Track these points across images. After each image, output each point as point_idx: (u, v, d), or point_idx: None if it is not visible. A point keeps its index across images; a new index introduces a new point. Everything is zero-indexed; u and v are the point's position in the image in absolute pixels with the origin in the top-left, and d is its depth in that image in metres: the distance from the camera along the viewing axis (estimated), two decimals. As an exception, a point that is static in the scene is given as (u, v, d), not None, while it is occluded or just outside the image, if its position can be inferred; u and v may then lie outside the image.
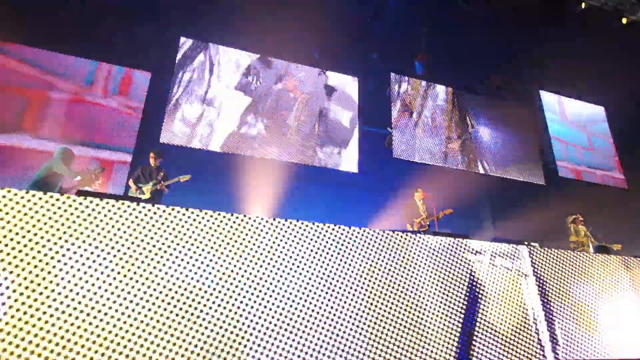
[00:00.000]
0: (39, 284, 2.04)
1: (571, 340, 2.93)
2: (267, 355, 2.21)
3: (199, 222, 2.45)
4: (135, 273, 2.22)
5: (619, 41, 7.76)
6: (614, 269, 3.48)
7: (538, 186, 7.84)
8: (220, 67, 6.76)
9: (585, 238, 6.09)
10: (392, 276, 2.67)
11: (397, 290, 2.65)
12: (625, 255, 3.79)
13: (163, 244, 2.33)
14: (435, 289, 2.75)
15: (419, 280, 2.76)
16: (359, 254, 2.69)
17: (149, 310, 2.15)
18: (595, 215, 8.05)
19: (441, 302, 2.70)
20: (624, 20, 7.51)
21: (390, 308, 2.55)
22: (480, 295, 2.83)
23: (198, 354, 2.12)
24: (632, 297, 3.33)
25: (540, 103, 8.52)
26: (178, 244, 2.37)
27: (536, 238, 6.93)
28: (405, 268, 2.74)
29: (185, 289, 2.26)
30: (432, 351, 2.52)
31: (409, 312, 2.58)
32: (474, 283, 2.87)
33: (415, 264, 2.82)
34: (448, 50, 8.19)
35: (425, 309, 2.63)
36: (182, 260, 2.34)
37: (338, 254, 2.62)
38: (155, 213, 2.42)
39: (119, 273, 2.20)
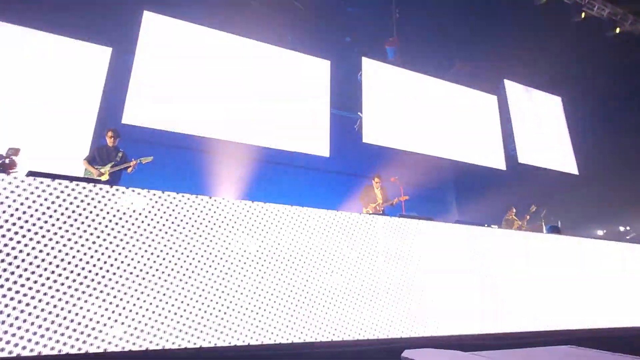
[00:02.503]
0: None
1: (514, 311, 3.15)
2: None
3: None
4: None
5: (577, 35, 8.16)
6: (564, 248, 3.75)
7: (499, 171, 8.23)
8: (185, 45, 6.47)
9: (518, 224, 6.61)
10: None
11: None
12: (571, 235, 4.10)
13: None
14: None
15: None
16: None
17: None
18: (551, 199, 8.62)
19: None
20: (582, 15, 7.88)
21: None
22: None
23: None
24: (574, 272, 3.62)
25: (503, 91, 8.86)
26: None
27: (496, 221, 7.37)
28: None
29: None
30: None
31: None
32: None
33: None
34: (417, 35, 8.30)
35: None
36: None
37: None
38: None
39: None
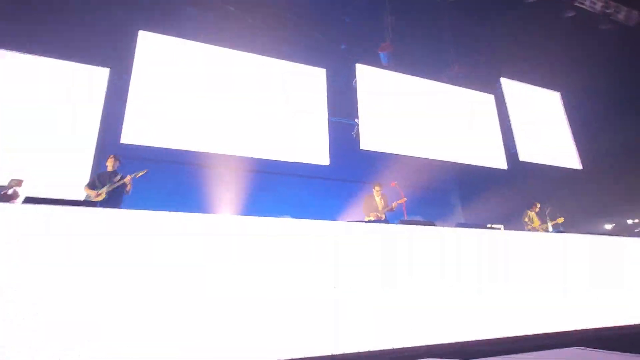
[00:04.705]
0: None
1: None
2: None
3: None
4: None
5: (572, 29, 8.16)
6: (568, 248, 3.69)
7: (501, 171, 8.17)
8: (181, 62, 6.55)
9: (538, 223, 6.48)
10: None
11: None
12: (577, 231, 4.04)
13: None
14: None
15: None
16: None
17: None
18: (556, 196, 8.53)
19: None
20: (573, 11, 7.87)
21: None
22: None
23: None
24: (577, 270, 3.55)
25: (500, 90, 8.84)
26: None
27: (501, 221, 7.29)
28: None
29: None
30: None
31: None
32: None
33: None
34: (411, 39, 8.34)
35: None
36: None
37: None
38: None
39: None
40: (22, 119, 5.57)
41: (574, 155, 8.82)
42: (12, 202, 3.26)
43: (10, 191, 3.33)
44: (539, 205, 6.61)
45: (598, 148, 8.91)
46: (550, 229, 6.37)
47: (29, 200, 2.42)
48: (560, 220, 6.46)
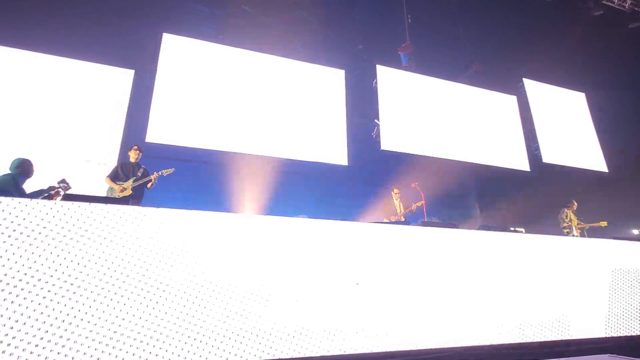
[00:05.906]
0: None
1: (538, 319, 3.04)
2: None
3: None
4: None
5: (598, 28, 7.92)
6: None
7: (523, 172, 8.00)
8: (203, 63, 6.68)
9: (577, 221, 6.33)
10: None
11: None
12: (602, 236, 3.93)
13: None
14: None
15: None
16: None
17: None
18: (580, 199, 8.29)
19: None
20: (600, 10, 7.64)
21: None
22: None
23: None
24: (596, 277, 3.46)
25: (522, 90, 8.65)
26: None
27: (522, 223, 7.13)
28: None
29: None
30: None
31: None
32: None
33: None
34: (432, 39, 8.26)
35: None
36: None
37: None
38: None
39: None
40: (51, 119, 5.79)
41: (600, 158, 8.56)
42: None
43: (53, 192, 3.34)
44: (576, 204, 6.42)
45: (625, 150, 8.62)
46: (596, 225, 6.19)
47: (67, 198, 2.53)
48: (604, 224, 6.28)
